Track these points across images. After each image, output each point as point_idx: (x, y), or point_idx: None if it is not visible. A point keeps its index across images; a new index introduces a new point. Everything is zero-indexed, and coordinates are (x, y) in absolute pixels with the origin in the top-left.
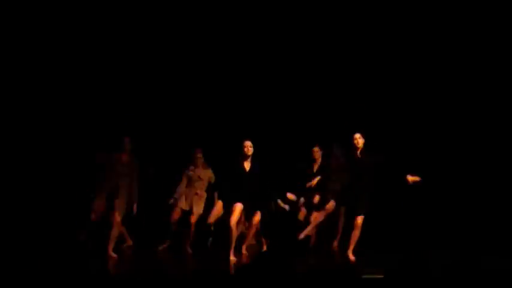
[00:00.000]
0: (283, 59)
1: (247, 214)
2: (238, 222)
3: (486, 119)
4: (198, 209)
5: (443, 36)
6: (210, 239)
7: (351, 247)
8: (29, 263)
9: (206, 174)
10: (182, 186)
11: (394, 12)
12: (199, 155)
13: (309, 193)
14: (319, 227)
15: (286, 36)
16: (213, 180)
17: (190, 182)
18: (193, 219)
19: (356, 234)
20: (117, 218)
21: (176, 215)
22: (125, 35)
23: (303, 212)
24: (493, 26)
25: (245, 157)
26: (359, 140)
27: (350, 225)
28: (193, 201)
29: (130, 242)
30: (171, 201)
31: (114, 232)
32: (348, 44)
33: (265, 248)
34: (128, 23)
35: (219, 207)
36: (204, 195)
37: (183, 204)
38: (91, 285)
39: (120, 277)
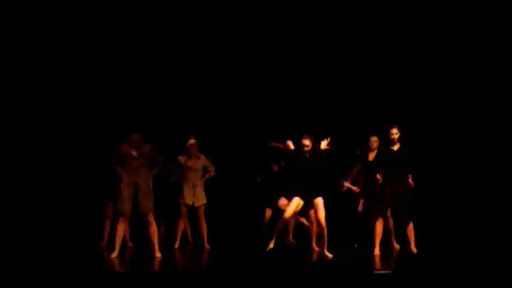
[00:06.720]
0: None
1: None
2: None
3: (487, 119)
4: (201, 201)
5: (439, 37)
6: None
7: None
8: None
9: (200, 163)
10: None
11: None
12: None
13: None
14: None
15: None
16: (210, 169)
17: (183, 174)
18: (201, 212)
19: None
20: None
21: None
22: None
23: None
24: (493, 26)
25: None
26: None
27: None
28: (194, 194)
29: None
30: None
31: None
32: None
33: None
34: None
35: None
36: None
37: (185, 200)
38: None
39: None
